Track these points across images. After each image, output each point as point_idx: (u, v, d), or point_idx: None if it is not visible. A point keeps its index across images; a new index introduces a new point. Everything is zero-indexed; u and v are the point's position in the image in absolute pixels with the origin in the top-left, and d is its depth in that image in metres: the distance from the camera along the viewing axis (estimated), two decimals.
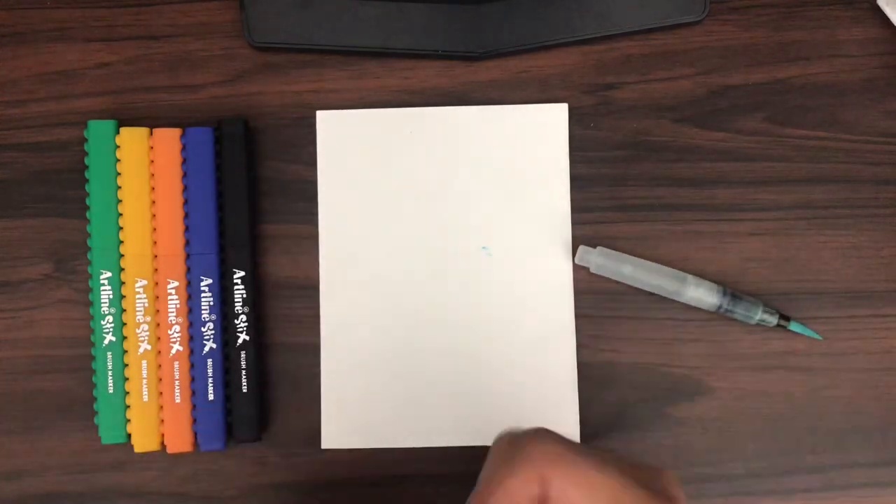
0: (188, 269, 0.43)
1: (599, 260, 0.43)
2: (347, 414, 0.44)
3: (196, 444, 0.43)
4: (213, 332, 0.42)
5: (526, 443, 0.27)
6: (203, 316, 0.42)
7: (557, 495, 0.26)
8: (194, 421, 0.42)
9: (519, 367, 0.44)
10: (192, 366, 0.42)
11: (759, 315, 0.42)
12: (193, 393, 0.42)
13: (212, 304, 0.42)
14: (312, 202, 0.44)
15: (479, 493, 0.28)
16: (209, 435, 0.42)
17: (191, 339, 0.42)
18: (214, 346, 0.42)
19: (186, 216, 0.43)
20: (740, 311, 0.42)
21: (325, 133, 0.44)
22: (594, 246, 0.43)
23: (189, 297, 0.43)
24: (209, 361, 0.42)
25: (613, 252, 0.43)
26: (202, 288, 0.42)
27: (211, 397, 0.42)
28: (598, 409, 0.43)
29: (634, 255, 0.43)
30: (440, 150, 0.44)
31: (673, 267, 0.43)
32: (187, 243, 0.43)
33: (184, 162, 0.43)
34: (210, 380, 0.42)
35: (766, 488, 0.43)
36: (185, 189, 0.43)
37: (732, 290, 0.43)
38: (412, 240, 0.44)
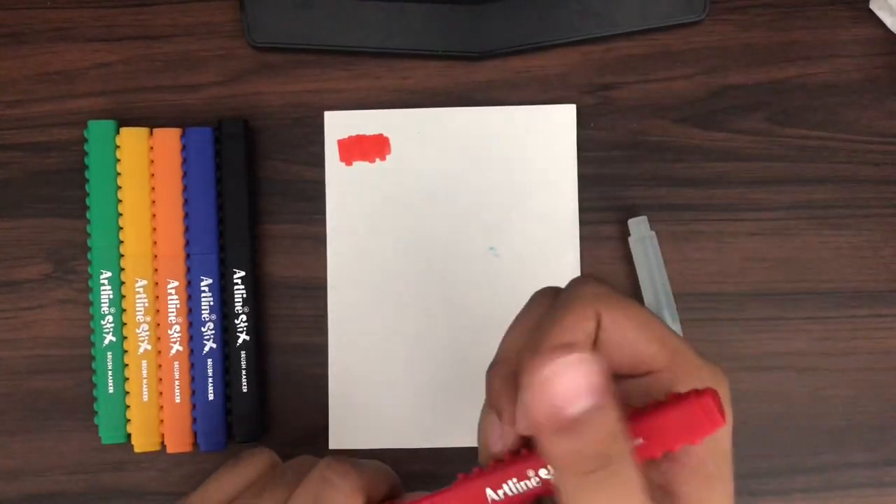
0: (188, 270, 0.43)
1: (644, 231, 0.43)
2: (354, 414, 0.44)
3: (196, 444, 0.43)
4: (213, 332, 0.42)
5: (576, 285, 0.27)
6: (203, 316, 0.42)
7: (610, 327, 0.26)
8: (194, 420, 0.42)
9: None
10: (192, 366, 0.42)
11: None
12: (193, 393, 0.42)
13: (212, 304, 0.42)
14: (312, 202, 0.44)
15: (537, 332, 0.26)
16: (209, 435, 0.42)
17: (191, 339, 0.42)
18: (214, 346, 0.42)
19: (186, 216, 0.43)
20: None
21: (333, 133, 0.44)
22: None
23: (189, 298, 0.43)
24: (209, 361, 0.42)
25: (655, 239, 0.43)
26: (202, 288, 0.42)
27: (211, 397, 0.42)
28: None
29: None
30: (448, 150, 0.44)
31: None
32: (187, 243, 0.43)
33: (184, 162, 0.43)
34: (210, 380, 0.42)
35: (766, 488, 0.43)
36: (185, 189, 0.43)
37: None
38: (419, 240, 0.44)
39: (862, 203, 0.44)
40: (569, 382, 0.23)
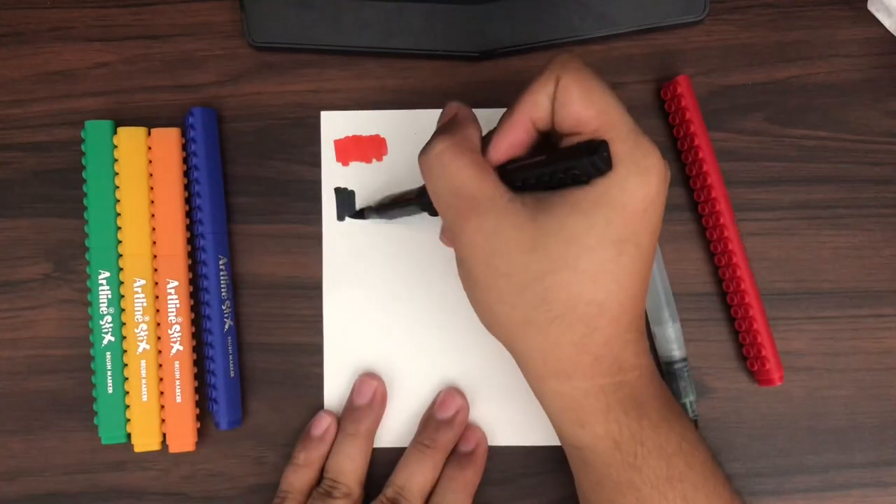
0: (189, 268, 0.43)
1: None
2: None
3: (215, 423, 0.43)
4: (211, 318, 0.42)
5: (556, 55, 0.33)
6: (207, 311, 0.43)
7: (561, 89, 0.32)
8: (215, 401, 0.42)
9: None
10: (208, 344, 0.42)
11: (686, 401, 0.42)
12: (213, 373, 0.42)
13: (208, 296, 0.43)
14: (313, 202, 0.44)
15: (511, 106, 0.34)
16: (227, 413, 0.42)
17: (193, 331, 0.43)
18: (229, 323, 0.42)
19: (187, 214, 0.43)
20: (679, 383, 0.42)
21: (329, 133, 0.44)
22: None
23: (189, 296, 0.43)
24: (228, 339, 0.43)
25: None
26: (204, 286, 0.43)
27: (232, 374, 0.43)
28: None
29: None
30: None
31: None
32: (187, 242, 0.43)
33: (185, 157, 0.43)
34: (231, 357, 0.43)
35: (766, 488, 0.43)
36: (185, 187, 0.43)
37: (690, 368, 0.43)
38: (416, 241, 0.44)
39: (862, 203, 0.44)
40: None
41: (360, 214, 0.44)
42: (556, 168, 0.32)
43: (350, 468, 0.42)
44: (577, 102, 0.32)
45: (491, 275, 0.33)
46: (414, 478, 0.41)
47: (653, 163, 0.32)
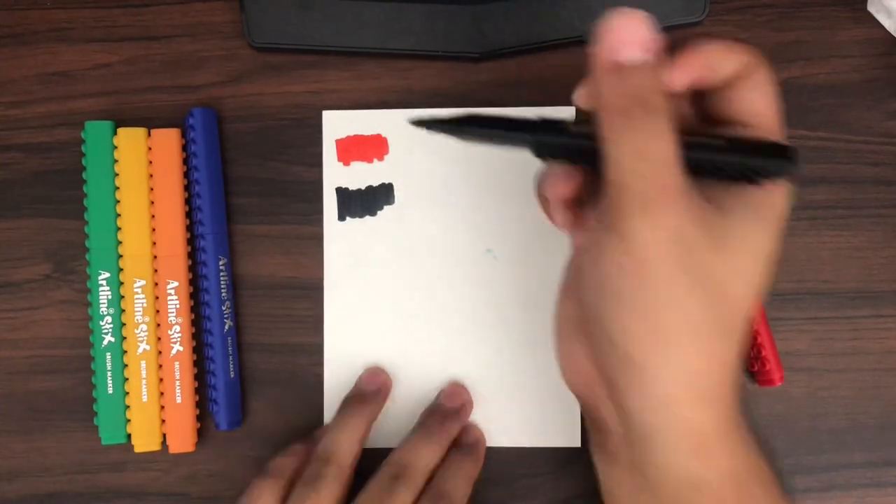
0: (189, 268, 0.43)
1: None
2: None
3: (215, 424, 0.43)
4: (211, 319, 0.42)
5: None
6: (206, 311, 0.43)
7: (762, 77, 0.31)
8: (214, 401, 0.42)
9: (523, 369, 0.44)
10: (208, 345, 0.42)
11: None
12: (213, 373, 0.42)
13: (208, 298, 0.43)
14: (312, 202, 0.44)
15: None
16: (227, 413, 0.42)
17: (193, 332, 0.43)
18: (229, 324, 0.43)
19: (187, 214, 0.43)
20: None
21: (331, 132, 0.45)
22: None
23: (189, 296, 0.43)
24: (228, 339, 0.43)
25: None
26: (204, 287, 0.43)
27: (232, 375, 0.43)
28: None
29: None
30: (446, 151, 0.44)
31: None
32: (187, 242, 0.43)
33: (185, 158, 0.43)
34: (230, 358, 0.43)
35: None
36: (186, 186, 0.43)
37: None
38: (417, 241, 0.44)
39: (862, 203, 0.44)
40: (624, 32, 0.28)
41: (425, 125, 0.33)
42: (744, 159, 0.28)
43: (347, 444, 0.40)
44: (771, 98, 0.30)
45: (670, 271, 0.27)
46: (420, 455, 0.40)
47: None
